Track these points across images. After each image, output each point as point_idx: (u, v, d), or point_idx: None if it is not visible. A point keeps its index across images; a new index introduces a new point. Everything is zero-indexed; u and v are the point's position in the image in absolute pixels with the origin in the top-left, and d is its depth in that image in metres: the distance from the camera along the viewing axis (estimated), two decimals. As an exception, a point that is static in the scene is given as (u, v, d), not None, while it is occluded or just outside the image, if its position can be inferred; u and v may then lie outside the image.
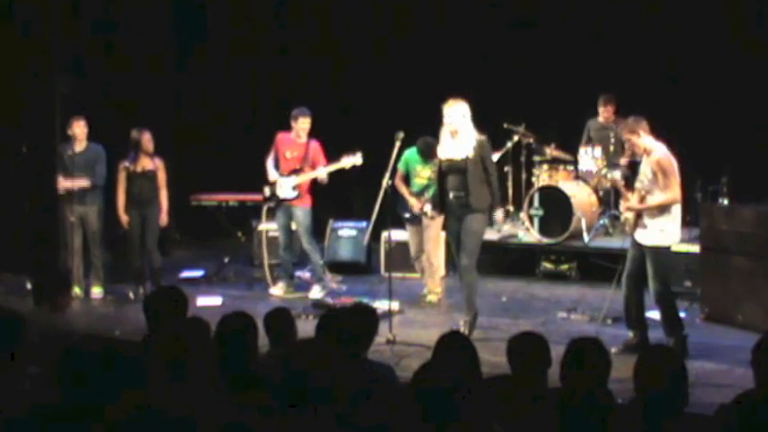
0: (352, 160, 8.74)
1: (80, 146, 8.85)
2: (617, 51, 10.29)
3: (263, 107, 11.74)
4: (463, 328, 7.17)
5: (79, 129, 8.82)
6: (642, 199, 6.71)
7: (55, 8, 9.96)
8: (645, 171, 6.73)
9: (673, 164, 6.64)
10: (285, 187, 8.88)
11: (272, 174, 8.95)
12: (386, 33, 11.41)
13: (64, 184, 8.82)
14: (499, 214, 7.65)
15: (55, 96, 9.48)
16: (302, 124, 8.81)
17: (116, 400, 3.37)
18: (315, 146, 8.89)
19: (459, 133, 7.27)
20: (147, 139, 8.87)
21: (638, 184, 6.82)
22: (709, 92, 9.96)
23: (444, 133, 7.36)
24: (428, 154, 8.25)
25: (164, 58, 11.67)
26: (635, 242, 6.83)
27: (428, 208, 8.26)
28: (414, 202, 8.57)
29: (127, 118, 9.90)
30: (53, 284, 5.78)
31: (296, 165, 8.86)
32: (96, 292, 9.00)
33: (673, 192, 6.60)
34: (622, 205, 6.99)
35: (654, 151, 6.67)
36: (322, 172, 8.79)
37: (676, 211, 6.71)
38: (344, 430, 3.38)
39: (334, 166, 8.79)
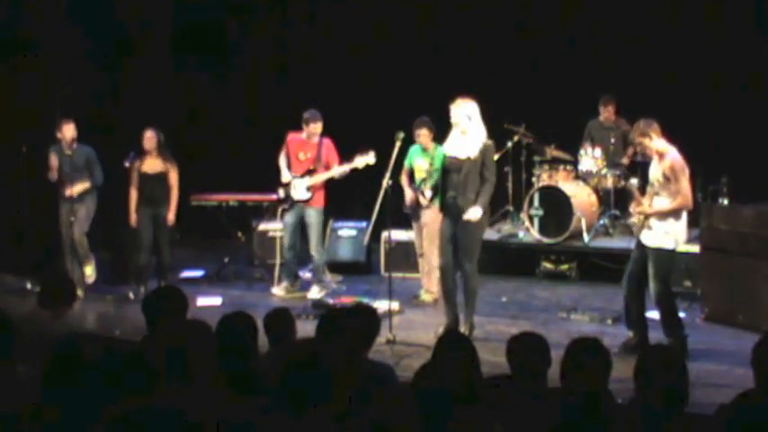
0: (366, 159, 8.73)
1: (71, 148, 8.80)
2: (617, 51, 10.28)
3: (264, 107, 11.73)
4: (463, 329, 7.18)
5: (69, 131, 8.78)
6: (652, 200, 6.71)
7: (56, 10, 9.98)
8: (656, 175, 6.69)
9: (684, 168, 6.60)
10: (299, 188, 8.85)
11: (285, 175, 8.92)
12: (387, 33, 11.40)
13: (71, 190, 8.77)
14: (473, 213, 7.09)
15: (55, 98, 9.47)
16: (313, 129, 8.79)
17: (116, 401, 3.36)
18: (327, 144, 8.88)
19: (467, 133, 7.24)
20: (147, 138, 8.86)
21: (649, 188, 6.79)
22: (709, 92, 9.96)
23: (454, 130, 7.32)
24: (429, 123, 8.39)
25: (164, 58, 11.66)
26: (639, 243, 6.83)
27: (428, 194, 8.24)
28: (409, 194, 8.57)
29: (127, 118, 9.89)
30: (61, 292, 5.76)
31: (309, 165, 8.84)
32: (89, 273, 9.00)
33: (684, 197, 6.58)
34: (634, 208, 6.90)
35: (667, 155, 6.62)
36: (336, 172, 8.79)
37: (684, 214, 6.70)
38: (344, 430, 3.38)
39: (347, 166, 8.78)
